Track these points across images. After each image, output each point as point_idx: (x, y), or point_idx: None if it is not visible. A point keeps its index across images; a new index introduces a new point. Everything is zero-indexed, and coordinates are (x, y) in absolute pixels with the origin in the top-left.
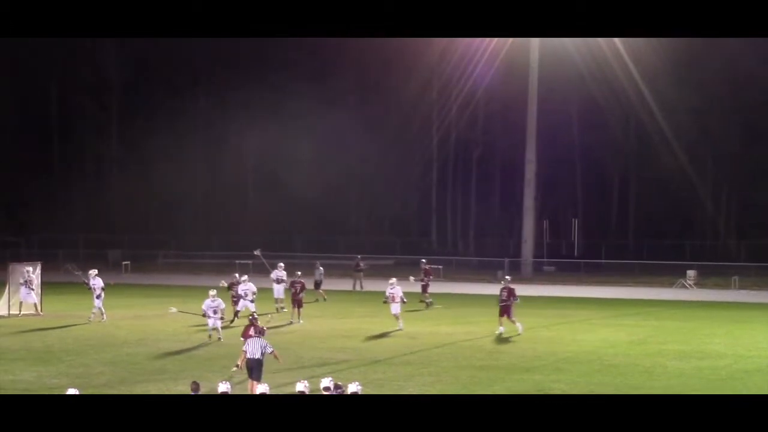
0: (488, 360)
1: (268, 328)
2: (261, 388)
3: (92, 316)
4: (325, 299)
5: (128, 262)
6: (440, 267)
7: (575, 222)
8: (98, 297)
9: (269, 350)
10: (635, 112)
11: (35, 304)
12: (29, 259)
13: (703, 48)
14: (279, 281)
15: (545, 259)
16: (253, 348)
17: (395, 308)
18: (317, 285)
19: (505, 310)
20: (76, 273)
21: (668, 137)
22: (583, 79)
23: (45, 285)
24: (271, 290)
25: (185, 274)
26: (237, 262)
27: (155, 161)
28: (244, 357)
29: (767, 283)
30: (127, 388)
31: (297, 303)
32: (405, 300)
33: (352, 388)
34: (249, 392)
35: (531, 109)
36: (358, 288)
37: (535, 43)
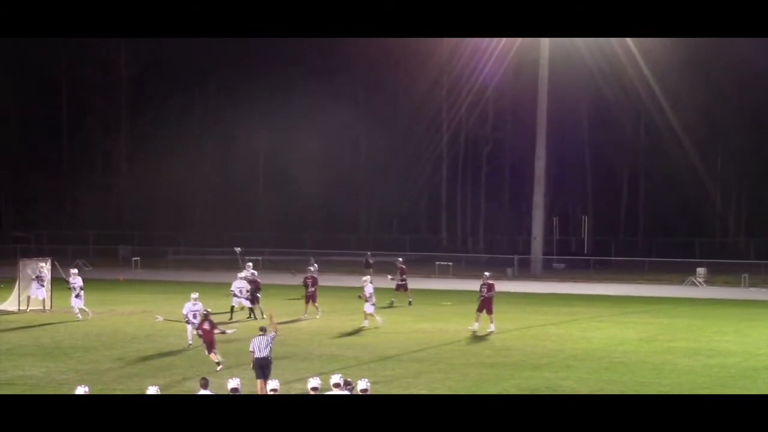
0: (497, 357)
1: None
2: (272, 385)
3: (79, 315)
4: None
5: (138, 258)
6: (450, 264)
7: (585, 219)
8: (77, 296)
9: (272, 342)
10: (645, 109)
11: (44, 300)
12: (39, 255)
13: (712, 46)
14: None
15: (555, 257)
16: (260, 346)
17: (368, 307)
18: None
19: (485, 305)
20: (87, 269)
21: (678, 135)
22: (593, 76)
23: (55, 281)
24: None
25: (195, 270)
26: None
27: (164, 157)
28: (252, 357)
29: None
30: (136, 384)
31: (311, 298)
32: (374, 302)
33: (362, 384)
34: (258, 392)
35: (541, 107)
36: None
37: (545, 40)
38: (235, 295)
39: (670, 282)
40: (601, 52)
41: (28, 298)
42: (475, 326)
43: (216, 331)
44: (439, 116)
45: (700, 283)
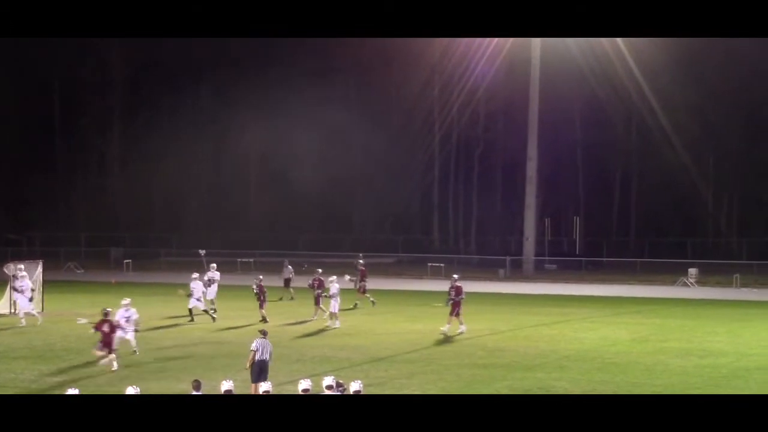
0: (490, 358)
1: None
2: (264, 386)
3: (23, 321)
4: (292, 298)
5: (130, 261)
6: (442, 265)
7: (577, 220)
8: (31, 300)
9: (272, 353)
10: (637, 109)
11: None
12: (31, 257)
13: (704, 45)
14: (211, 282)
15: (547, 257)
16: (264, 349)
17: (334, 305)
18: (287, 283)
19: (455, 308)
20: (79, 271)
21: (670, 135)
22: (585, 77)
23: (47, 283)
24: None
25: (187, 272)
26: (239, 260)
27: (158, 159)
28: (253, 357)
29: None
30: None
31: (317, 300)
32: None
33: (354, 386)
34: (252, 392)
35: (532, 107)
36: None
37: (536, 41)
38: (190, 296)
39: (663, 282)
40: (593, 52)
41: (15, 302)
42: (446, 328)
43: (119, 333)
44: (431, 116)
45: (692, 283)
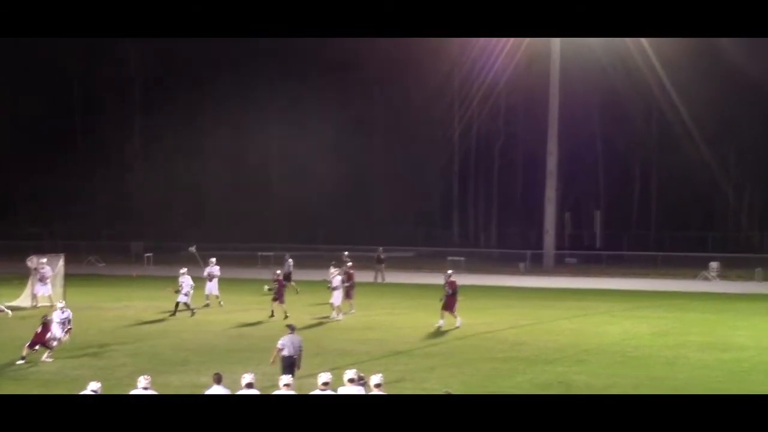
0: (510, 352)
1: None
2: (285, 380)
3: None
4: (297, 291)
5: (150, 255)
6: (462, 259)
7: (597, 214)
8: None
9: (302, 348)
10: (657, 103)
11: (50, 297)
12: (52, 251)
13: (724, 39)
14: (211, 277)
15: (567, 251)
16: (291, 345)
17: (336, 298)
18: (287, 277)
19: (449, 303)
20: (100, 265)
21: (690, 129)
22: (605, 70)
23: (68, 277)
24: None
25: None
26: (259, 254)
27: (178, 153)
28: (278, 353)
29: None
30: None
31: (345, 294)
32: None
33: (375, 379)
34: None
35: (552, 101)
36: (379, 280)
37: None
38: (178, 291)
39: (683, 276)
40: (613, 46)
41: (35, 296)
42: (441, 322)
43: (49, 335)
44: (451, 110)
45: (713, 277)
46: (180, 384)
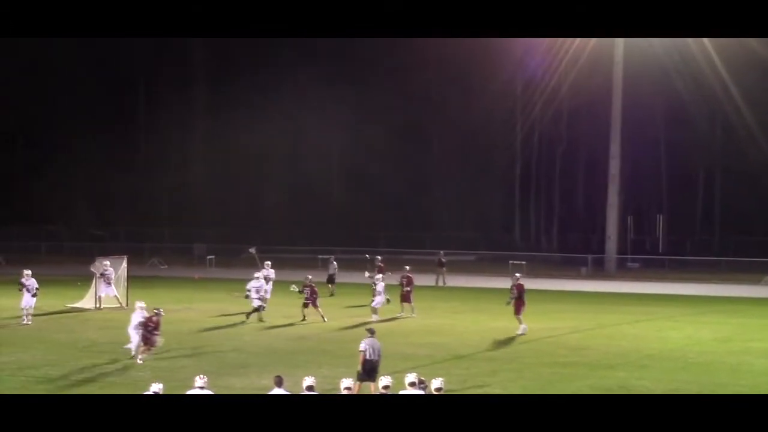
0: (571, 356)
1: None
2: (384, 381)
3: (25, 318)
4: (332, 294)
5: (213, 257)
6: (523, 263)
7: (660, 218)
8: (34, 296)
9: (380, 352)
10: (721, 106)
11: (116, 297)
12: (116, 252)
13: None
14: (267, 280)
15: (629, 255)
16: (372, 349)
17: (377, 301)
18: (330, 279)
19: (519, 306)
20: (162, 267)
21: (754, 132)
22: (668, 74)
23: (131, 279)
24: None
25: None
26: (320, 257)
27: (239, 155)
28: (363, 359)
29: None
30: (211, 382)
31: (405, 298)
32: (382, 299)
33: (436, 383)
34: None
35: (615, 104)
36: (441, 283)
37: (620, 39)
38: (247, 296)
39: (747, 282)
40: (676, 49)
41: (100, 297)
42: (523, 327)
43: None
44: (513, 114)
45: None
46: (241, 386)
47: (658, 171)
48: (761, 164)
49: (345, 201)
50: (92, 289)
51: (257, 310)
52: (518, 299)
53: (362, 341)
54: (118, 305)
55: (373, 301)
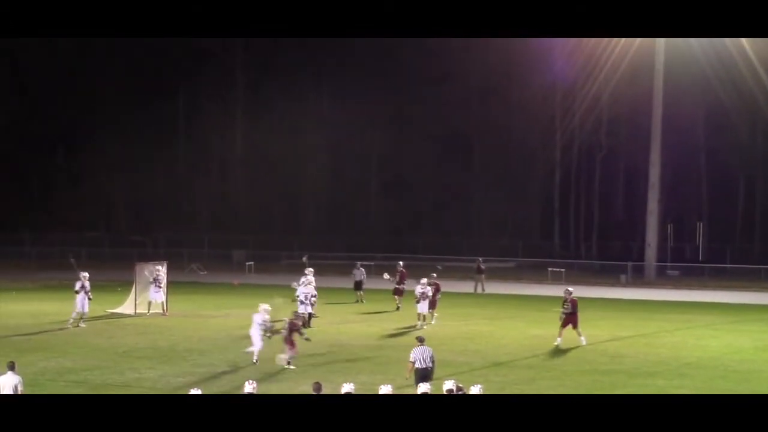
0: (611, 364)
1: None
2: (423, 388)
3: (80, 322)
4: (362, 301)
5: (252, 263)
6: (563, 270)
7: (700, 225)
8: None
9: (434, 358)
10: (762, 113)
11: (162, 303)
12: (155, 258)
13: None
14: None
15: (669, 263)
16: (423, 357)
17: (423, 307)
18: (358, 285)
19: (569, 321)
20: (202, 273)
21: None
22: (709, 81)
23: (170, 284)
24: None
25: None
26: (358, 263)
27: (278, 162)
28: (412, 367)
29: None
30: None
31: (431, 305)
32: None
33: (474, 390)
34: None
35: (656, 112)
36: (479, 290)
37: (660, 45)
38: (301, 302)
39: None
40: (717, 56)
41: (150, 302)
42: (559, 341)
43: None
44: (553, 122)
45: None
46: (279, 392)
47: (698, 178)
48: None
49: (384, 207)
50: (132, 295)
51: (310, 317)
52: (572, 314)
53: (412, 351)
54: (161, 312)
55: (419, 305)
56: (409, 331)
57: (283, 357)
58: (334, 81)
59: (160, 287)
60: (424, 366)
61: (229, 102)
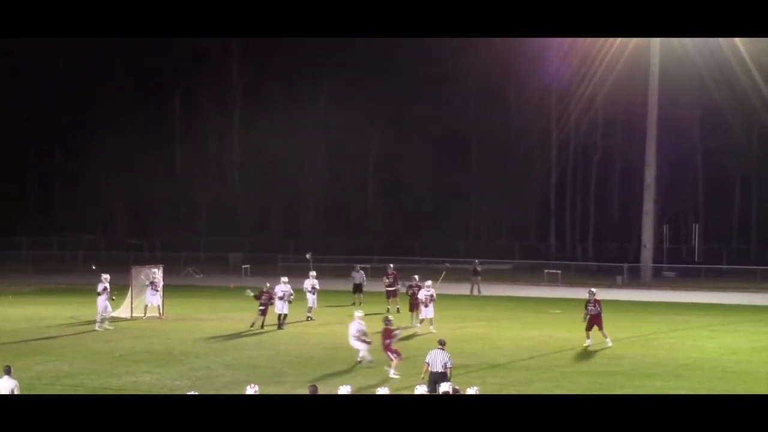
0: (608, 365)
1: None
2: (420, 390)
3: (105, 323)
4: (360, 304)
5: (248, 266)
6: (559, 272)
7: (696, 227)
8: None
9: (450, 365)
10: (757, 114)
11: (158, 307)
12: (152, 261)
13: None
14: (314, 290)
15: (665, 264)
16: (435, 361)
17: (428, 311)
18: (357, 289)
19: (594, 321)
20: (198, 276)
21: None
22: (704, 82)
23: (166, 288)
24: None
25: (303, 277)
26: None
27: (276, 164)
28: (427, 369)
29: None
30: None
31: (415, 306)
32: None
33: (471, 392)
34: None
35: (651, 113)
36: (475, 292)
37: (655, 46)
38: (279, 299)
39: None
40: (713, 57)
41: (146, 306)
42: (589, 342)
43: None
44: (549, 123)
45: None
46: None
47: (694, 179)
48: None
49: (381, 209)
50: (128, 298)
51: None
52: (597, 315)
53: (429, 353)
54: (158, 315)
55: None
56: (409, 334)
57: (391, 370)
58: (333, 82)
59: (157, 290)
60: (436, 370)
61: (228, 102)
